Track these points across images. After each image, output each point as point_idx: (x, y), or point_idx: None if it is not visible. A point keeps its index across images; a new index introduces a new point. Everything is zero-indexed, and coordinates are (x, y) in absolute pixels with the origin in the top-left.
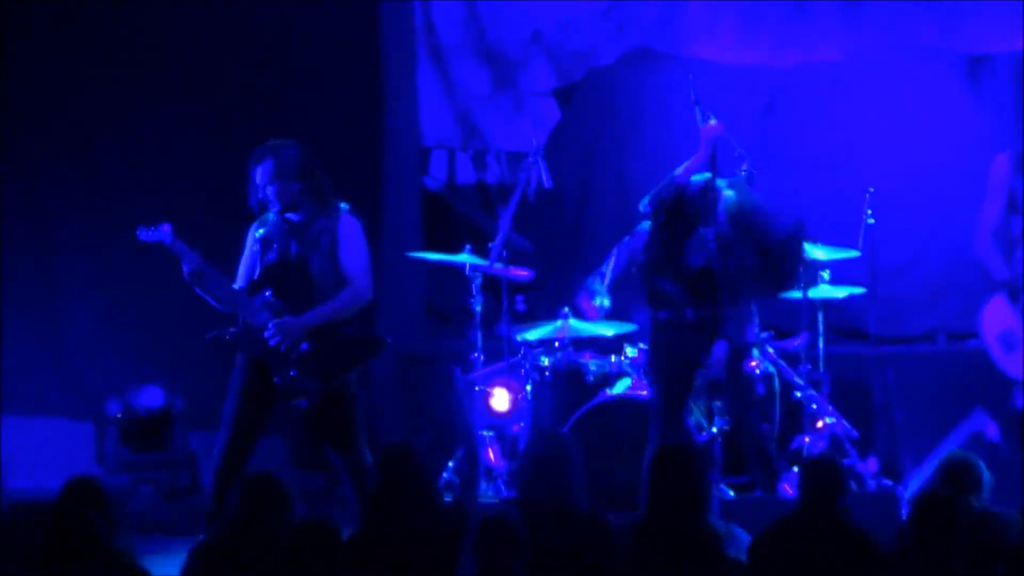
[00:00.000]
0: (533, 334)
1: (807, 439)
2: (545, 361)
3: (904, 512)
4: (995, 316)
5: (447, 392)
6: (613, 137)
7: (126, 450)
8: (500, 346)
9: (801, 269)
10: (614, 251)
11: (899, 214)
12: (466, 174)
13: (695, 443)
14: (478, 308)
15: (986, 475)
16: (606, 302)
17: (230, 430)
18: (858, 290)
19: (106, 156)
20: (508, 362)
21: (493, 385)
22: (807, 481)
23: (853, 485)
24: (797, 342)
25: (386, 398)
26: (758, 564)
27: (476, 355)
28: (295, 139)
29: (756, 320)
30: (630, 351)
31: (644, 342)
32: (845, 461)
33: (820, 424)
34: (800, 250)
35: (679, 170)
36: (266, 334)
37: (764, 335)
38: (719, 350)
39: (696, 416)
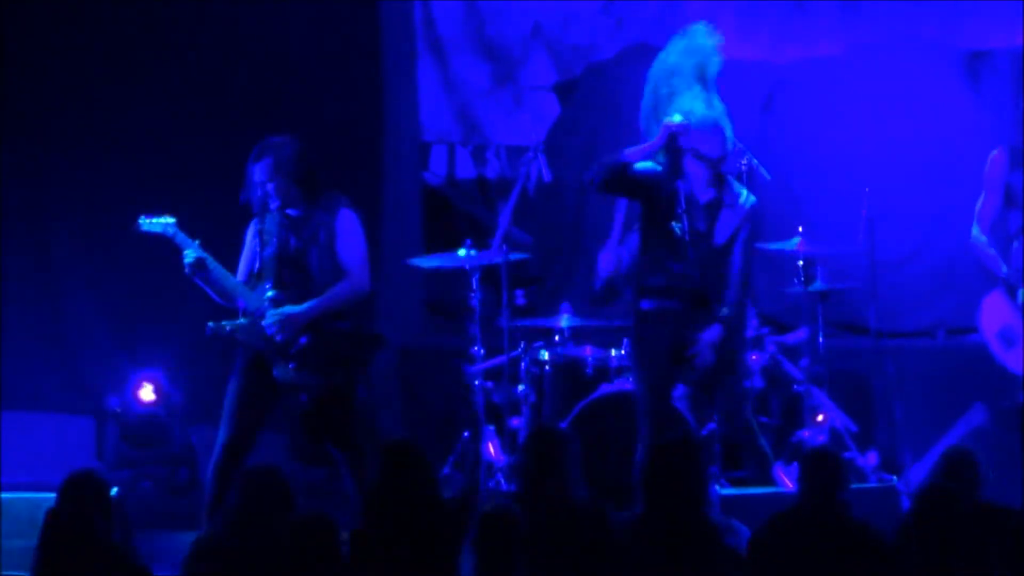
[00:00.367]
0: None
1: (807, 433)
2: (545, 355)
3: (904, 506)
4: (994, 312)
5: (453, 386)
6: (613, 132)
7: (126, 445)
8: (500, 340)
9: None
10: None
11: (899, 209)
12: (466, 169)
13: (691, 433)
14: (478, 302)
15: (985, 469)
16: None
17: (230, 425)
18: (858, 285)
19: (106, 152)
20: (508, 356)
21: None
22: (807, 475)
23: (853, 479)
24: (797, 336)
25: (386, 392)
26: (758, 558)
27: (476, 349)
28: (294, 135)
29: (754, 314)
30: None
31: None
32: (845, 455)
33: (820, 418)
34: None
35: (629, 149)
36: (264, 323)
37: (764, 329)
38: (712, 331)
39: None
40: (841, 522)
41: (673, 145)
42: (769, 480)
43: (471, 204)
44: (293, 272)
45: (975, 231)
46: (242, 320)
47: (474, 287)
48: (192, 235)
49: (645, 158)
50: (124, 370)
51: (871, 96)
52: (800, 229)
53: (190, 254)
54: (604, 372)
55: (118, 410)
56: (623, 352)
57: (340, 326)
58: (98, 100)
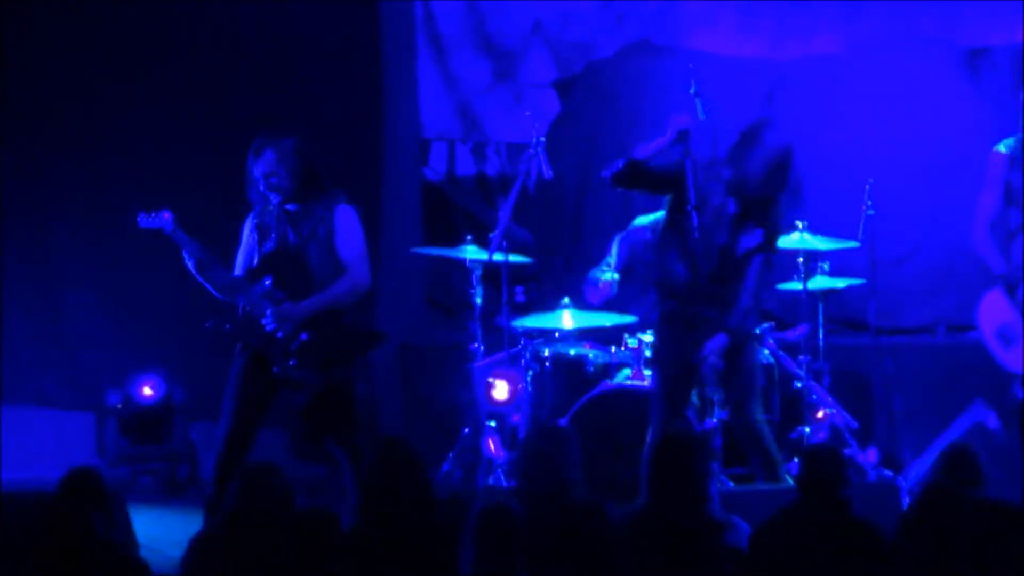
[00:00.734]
0: (532, 323)
1: (807, 429)
2: (545, 351)
3: (904, 503)
4: (993, 310)
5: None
6: (613, 129)
7: (126, 441)
8: (500, 337)
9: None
10: (615, 241)
11: (899, 206)
12: (466, 166)
13: (696, 432)
14: (478, 299)
15: (986, 466)
16: (613, 275)
17: (230, 421)
18: (858, 281)
19: (106, 149)
20: (508, 352)
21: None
22: (807, 472)
23: (853, 476)
24: (797, 333)
25: (386, 389)
26: (758, 555)
27: (476, 346)
28: (294, 131)
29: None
30: (631, 341)
31: (642, 332)
32: (845, 451)
33: (820, 415)
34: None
35: (640, 145)
36: (264, 320)
37: (764, 326)
38: (718, 339)
39: (695, 407)
40: (841, 519)
41: (684, 141)
42: (777, 480)
43: (471, 201)
44: (292, 268)
45: (976, 228)
46: (242, 317)
47: (474, 284)
48: (193, 233)
49: (654, 153)
50: (124, 366)
51: (871, 93)
52: (800, 225)
53: (189, 251)
54: (604, 369)
55: (118, 406)
56: (623, 349)
57: (340, 322)
58: (98, 99)
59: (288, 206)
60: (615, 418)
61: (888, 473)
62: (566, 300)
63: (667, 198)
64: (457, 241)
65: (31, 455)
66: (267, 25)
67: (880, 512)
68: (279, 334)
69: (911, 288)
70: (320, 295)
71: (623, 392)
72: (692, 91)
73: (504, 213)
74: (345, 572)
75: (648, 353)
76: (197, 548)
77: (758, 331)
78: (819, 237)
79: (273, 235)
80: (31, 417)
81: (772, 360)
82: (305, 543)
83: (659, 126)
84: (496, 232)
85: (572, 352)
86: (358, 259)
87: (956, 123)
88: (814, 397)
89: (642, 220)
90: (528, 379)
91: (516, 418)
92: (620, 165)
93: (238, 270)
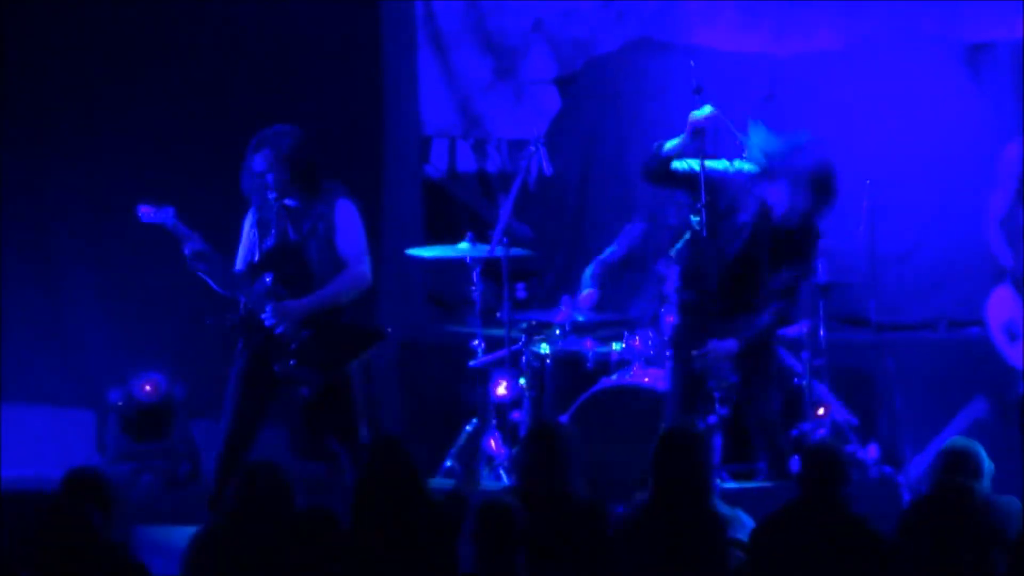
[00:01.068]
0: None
1: (808, 426)
2: (545, 348)
3: (905, 499)
4: (1001, 306)
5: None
6: (614, 126)
7: (127, 439)
8: (500, 334)
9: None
10: (615, 242)
11: (900, 202)
12: (467, 162)
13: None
14: (478, 296)
15: (987, 463)
16: (588, 291)
17: (231, 418)
18: (859, 278)
19: (107, 147)
20: (508, 349)
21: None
22: (808, 468)
23: (854, 472)
24: (798, 329)
25: (386, 386)
26: (759, 551)
27: (476, 343)
28: (294, 127)
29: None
30: (631, 338)
31: (645, 328)
32: (846, 448)
33: (821, 411)
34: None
35: (667, 144)
36: (264, 317)
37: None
38: (728, 343)
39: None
40: (842, 516)
41: (700, 140)
42: (783, 477)
43: (472, 197)
44: (293, 265)
45: (988, 224)
46: (243, 314)
47: (475, 280)
48: (194, 230)
49: (675, 151)
50: (125, 363)
51: (872, 89)
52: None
53: (190, 246)
54: (605, 366)
55: (119, 403)
56: (624, 345)
57: (340, 320)
58: (99, 93)
59: (288, 202)
60: (615, 415)
61: (889, 470)
62: (567, 296)
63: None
64: (458, 238)
65: (31, 452)
66: (267, 24)
67: (881, 509)
68: (279, 330)
69: (912, 284)
70: (320, 292)
71: (623, 389)
72: (693, 88)
73: (505, 210)
74: (340, 570)
75: (651, 351)
76: (198, 546)
77: None
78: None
79: (273, 231)
80: (31, 414)
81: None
82: (305, 541)
83: (661, 133)
84: (497, 229)
85: (572, 349)
86: (358, 255)
87: (957, 120)
88: (815, 394)
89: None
90: (528, 376)
91: (517, 415)
92: (652, 165)
93: (239, 265)
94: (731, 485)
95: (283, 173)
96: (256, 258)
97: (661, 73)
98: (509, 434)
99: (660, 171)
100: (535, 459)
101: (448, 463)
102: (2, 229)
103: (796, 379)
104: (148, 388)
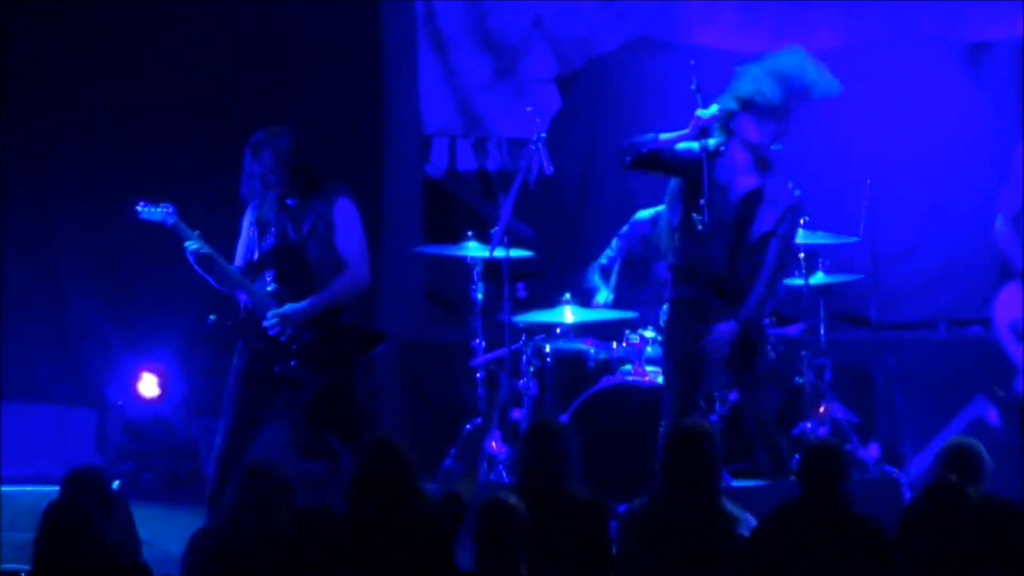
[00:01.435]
0: (533, 319)
1: (808, 425)
2: (546, 347)
3: (905, 497)
4: (1009, 304)
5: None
6: (614, 124)
7: (127, 438)
8: (501, 333)
9: None
10: (613, 241)
11: (900, 201)
12: (467, 161)
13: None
14: (479, 295)
15: (987, 461)
16: (608, 296)
17: (231, 417)
18: (859, 276)
19: (106, 146)
20: (509, 348)
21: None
22: (808, 467)
23: (854, 471)
24: (798, 328)
25: (387, 384)
26: (760, 551)
27: (477, 342)
28: (293, 127)
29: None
30: (632, 337)
31: (643, 328)
32: (846, 447)
33: (821, 410)
34: None
35: (661, 136)
36: (265, 324)
37: (765, 322)
38: (727, 325)
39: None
40: (842, 515)
41: (705, 136)
42: (784, 477)
43: (472, 196)
44: (293, 264)
45: (999, 222)
46: (244, 314)
47: (475, 280)
48: (195, 228)
49: (672, 143)
50: (126, 362)
51: (872, 88)
52: (801, 221)
53: (191, 244)
54: (605, 365)
55: (120, 402)
56: (624, 345)
57: (341, 320)
58: (100, 92)
59: (287, 201)
60: (616, 414)
61: (889, 468)
62: (567, 296)
63: (679, 187)
64: (458, 237)
65: (32, 451)
66: (267, 24)
67: (881, 508)
68: (282, 339)
69: (912, 283)
70: (320, 294)
71: (624, 388)
72: (693, 87)
73: (505, 209)
74: (341, 569)
75: (650, 349)
76: (198, 544)
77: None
78: (820, 232)
79: (273, 230)
80: (32, 413)
81: (773, 355)
82: (306, 540)
83: (669, 122)
84: (497, 228)
85: (573, 348)
86: (358, 256)
87: (957, 119)
88: (815, 392)
89: (643, 214)
90: (529, 375)
91: (517, 414)
92: (643, 151)
93: (237, 261)
94: (732, 484)
95: (281, 172)
96: (256, 257)
97: (661, 72)
98: (510, 433)
99: (654, 160)
100: (535, 457)
101: (448, 462)
102: (2, 227)
103: (796, 378)
104: (149, 387)
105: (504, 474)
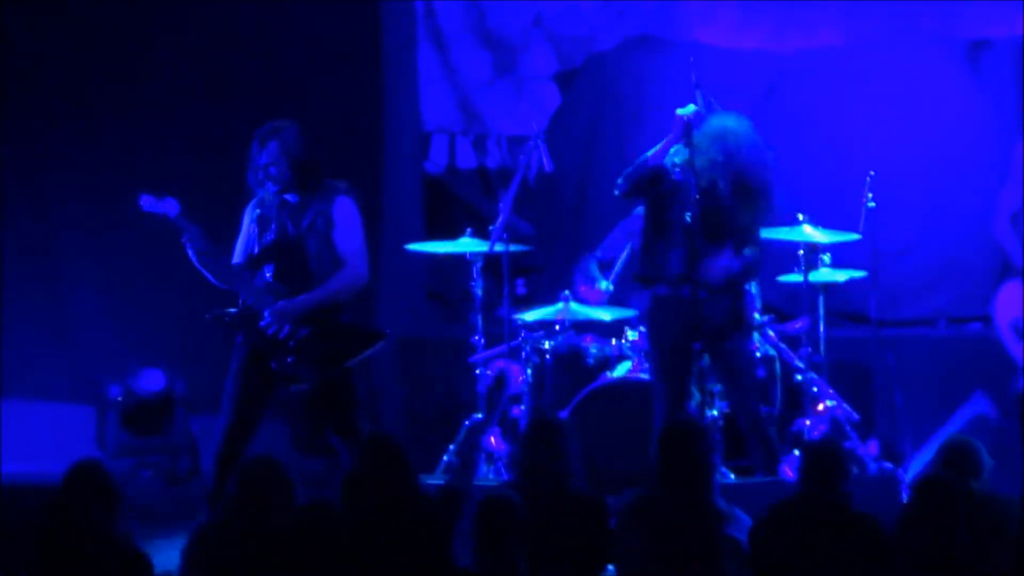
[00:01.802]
0: (533, 316)
1: (808, 422)
2: (546, 344)
3: (905, 495)
4: (1010, 302)
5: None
6: (614, 122)
7: (127, 434)
8: (501, 330)
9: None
10: (611, 236)
11: (900, 198)
12: (467, 158)
13: (701, 421)
14: (479, 292)
15: (987, 459)
16: (609, 286)
17: (230, 413)
18: (859, 274)
19: (106, 145)
20: (509, 345)
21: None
22: (808, 464)
23: (854, 468)
24: (798, 325)
25: (386, 381)
26: (759, 548)
27: (477, 339)
28: (297, 121)
29: (758, 303)
30: (631, 334)
31: (642, 325)
32: (846, 444)
33: (821, 407)
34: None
35: (650, 152)
36: (262, 323)
37: (765, 318)
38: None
39: (696, 400)
40: (841, 513)
41: (689, 135)
42: (775, 473)
43: (472, 193)
44: (291, 259)
45: (998, 220)
46: (242, 309)
47: (475, 276)
48: (193, 216)
49: (666, 154)
50: (125, 358)
51: (872, 86)
52: (801, 218)
53: (191, 237)
54: (605, 362)
55: (119, 399)
56: (624, 342)
57: (340, 318)
58: (100, 91)
59: (288, 197)
60: (615, 411)
61: (889, 466)
62: (567, 292)
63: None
64: (458, 234)
65: (32, 448)
66: (267, 22)
67: (881, 505)
68: (280, 336)
69: (912, 281)
70: (317, 291)
71: (623, 385)
72: (693, 84)
73: (505, 205)
74: (340, 565)
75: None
76: (198, 541)
77: (757, 320)
78: (820, 229)
79: (273, 225)
80: (32, 410)
81: (773, 352)
82: (305, 536)
83: (660, 129)
84: (497, 224)
85: (573, 345)
86: (356, 253)
87: (957, 117)
88: (815, 390)
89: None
90: (528, 372)
91: (517, 411)
92: (633, 173)
93: (237, 257)
94: (731, 481)
95: (286, 166)
96: (255, 252)
97: (661, 70)
98: (509, 430)
99: (652, 178)
100: (534, 454)
101: (447, 458)
102: (2, 226)
103: (796, 375)
104: (148, 383)
105: (503, 471)
